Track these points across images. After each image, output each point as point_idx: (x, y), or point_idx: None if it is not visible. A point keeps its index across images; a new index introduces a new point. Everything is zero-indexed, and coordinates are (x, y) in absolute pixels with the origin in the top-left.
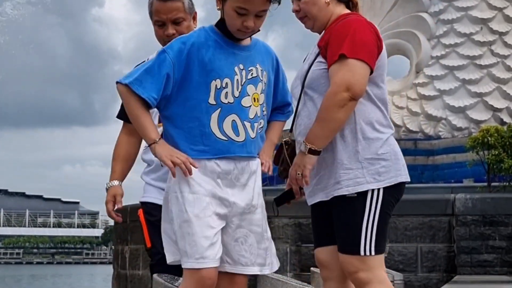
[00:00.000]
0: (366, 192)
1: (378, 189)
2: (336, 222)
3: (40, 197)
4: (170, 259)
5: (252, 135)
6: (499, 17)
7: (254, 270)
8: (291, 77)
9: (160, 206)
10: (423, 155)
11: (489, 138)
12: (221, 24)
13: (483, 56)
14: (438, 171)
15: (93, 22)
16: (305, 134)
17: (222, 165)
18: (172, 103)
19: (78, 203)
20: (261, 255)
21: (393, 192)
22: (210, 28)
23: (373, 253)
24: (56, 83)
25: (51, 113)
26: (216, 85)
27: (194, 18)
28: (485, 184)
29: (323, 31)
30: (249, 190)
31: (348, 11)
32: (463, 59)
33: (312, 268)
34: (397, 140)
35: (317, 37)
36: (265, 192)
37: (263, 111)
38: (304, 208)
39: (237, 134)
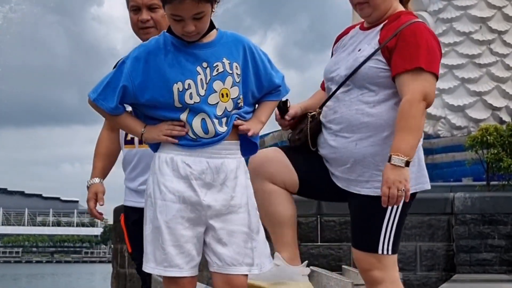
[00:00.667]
0: None
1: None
2: (355, 217)
3: (39, 195)
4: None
5: (222, 129)
6: (498, 16)
7: (242, 270)
8: (288, 75)
9: (132, 208)
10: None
11: (488, 137)
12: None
13: (482, 55)
14: (437, 170)
15: (92, 20)
16: (340, 123)
17: (193, 165)
18: (141, 106)
19: (77, 201)
20: (248, 255)
21: (413, 197)
22: (167, 34)
23: (390, 252)
24: (55, 82)
25: (50, 112)
26: (178, 88)
27: (160, 21)
28: (484, 183)
29: (380, 26)
30: (227, 191)
31: (402, 7)
32: (463, 58)
33: (311, 267)
34: None
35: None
36: None
37: (238, 103)
38: (302, 207)
39: (206, 132)
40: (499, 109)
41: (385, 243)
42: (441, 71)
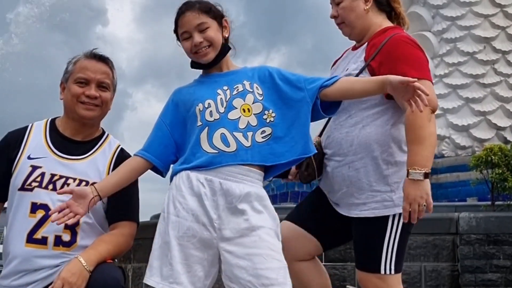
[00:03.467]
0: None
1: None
2: (356, 239)
3: None
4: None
5: (247, 143)
6: (502, 36)
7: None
8: None
9: None
10: None
11: (493, 157)
12: (193, 63)
13: (486, 75)
14: (442, 190)
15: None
16: (333, 147)
17: (207, 185)
18: (181, 139)
19: None
20: (265, 275)
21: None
22: (198, 76)
23: (393, 272)
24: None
25: None
26: (199, 108)
27: (112, 99)
28: (489, 202)
29: (366, 43)
30: (239, 214)
31: (389, 22)
32: (467, 78)
33: None
34: None
35: (347, 45)
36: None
37: (265, 118)
38: None
39: (227, 145)
40: (503, 128)
41: (387, 263)
42: (445, 90)
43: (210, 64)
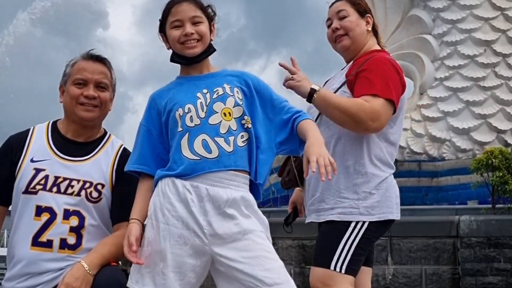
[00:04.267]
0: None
1: (367, 222)
2: (318, 238)
3: None
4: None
5: (229, 148)
6: (502, 39)
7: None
8: (292, 99)
9: None
10: (427, 176)
11: (493, 160)
12: (175, 56)
13: (487, 78)
14: (442, 193)
15: (98, 43)
16: None
17: (193, 192)
18: (164, 143)
19: None
20: (266, 276)
21: (379, 226)
22: (175, 78)
23: (342, 271)
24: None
25: None
26: (179, 113)
27: (112, 100)
28: (490, 206)
29: (352, 61)
30: (228, 219)
31: (379, 47)
32: (467, 81)
33: None
34: (401, 161)
35: (341, 64)
36: (268, 214)
37: (243, 123)
38: (307, 230)
39: (209, 151)
40: (504, 131)
41: (339, 261)
42: (445, 93)
43: (193, 59)
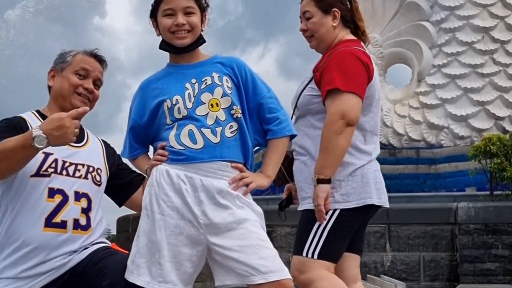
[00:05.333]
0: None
1: (340, 209)
2: (297, 228)
3: None
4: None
5: (215, 139)
6: (500, 26)
7: (257, 279)
8: (290, 86)
9: None
10: (425, 163)
11: (491, 147)
12: (164, 44)
13: (485, 64)
14: (440, 180)
15: (95, 31)
16: (295, 149)
17: (188, 182)
18: (153, 134)
19: None
20: (261, 264)
21: (358, 212)
22: (165, 66)
23: (315, 256)
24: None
25: None
26: (167, 105)
27: (97, 99)
28: (488, 192)
29: (324, 54)
30: (222, 209)
31: (351, 36)
32: (465, 68)
33: None
34: (399, 148)
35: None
36: (267, 201)
37: (232, 113)
38: None
39: (194, 142)
40: (502, 118)
41: (311, 247)
42: (443, 80)
43: (182, 49)
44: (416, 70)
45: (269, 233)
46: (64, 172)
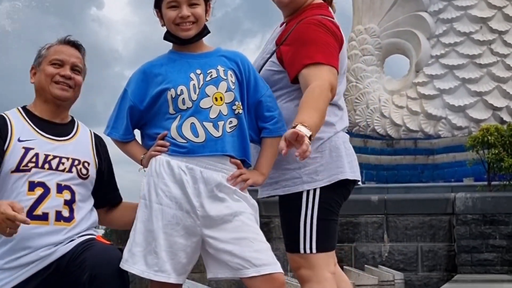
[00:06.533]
0: (301, 192)
1: (314, 189)
2: (280, 220)
3: None
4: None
5: (216, 133)
6: (498, 16)
7: (250, 272)
8: None
9: None
10: (423, 154)
11: (489, 137)
12: (168, 35)
13: (482, 55)
14: (438, 170)
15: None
16: None
17: (188, 173)
18: (146, 119)
19: None
20: (254, 257)
21: (335, 190)
22: (168, 51)
23: (314, 251)
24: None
25: None
26: (171, 94)
27: (81, 85)
28: (485, 183)
29: (285, 23)
30: (219, 202)
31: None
32: (463, 58)
33: None
34: (397, 139)
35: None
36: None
37: (234, 109)
38: None
39: (196, 136)
40: (499, 109)
41: (306, 242)
42: (441, 71)
43: (187, 41)
44: (414, 61)
45: (266, 224)
46: (47, 165)
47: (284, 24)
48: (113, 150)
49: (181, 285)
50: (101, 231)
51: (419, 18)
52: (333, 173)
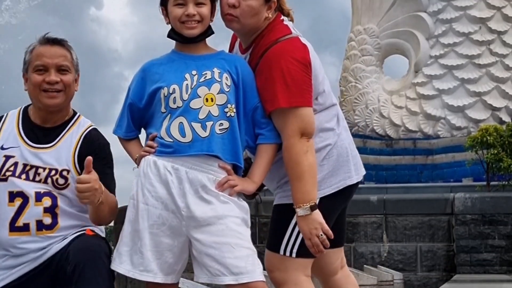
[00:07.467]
0: None
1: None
2: (270, 221)
3: None
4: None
5: (204, 134)
6: (497, 16)
7: (227, 280)
8: None
9: None
10: (422, 154)
11: (488, 137)
12: (172, 33)
13: (481, 55)
14: (437, 171)
15: (91, 22)
16: None
17: (174, 173)
18: (146, 118)
19: None
20: (234, 264)
21: (339, 195)
22: (170, 51)
23: (293, 255)
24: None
25: None
26: (164, 93)
27: (76, 80)
28: (484, 183)
29: (252, 46)
30: (205, 203)
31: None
32: (462, 59)
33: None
34: (396, 139)
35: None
36: (264, 193)
37: (226, 111)
38: None
39: (183, 135)
40: (499, 109)
41: (288, 245)
42: (440, 71)
43: (190, 39)
44: (413, 61)
45: (266, 224)
46: (24, 176)
47: (248, 51)
48: (113, 150)
49: (176, 284)
50: None
51: (418, 19)
52: (341, 178)
